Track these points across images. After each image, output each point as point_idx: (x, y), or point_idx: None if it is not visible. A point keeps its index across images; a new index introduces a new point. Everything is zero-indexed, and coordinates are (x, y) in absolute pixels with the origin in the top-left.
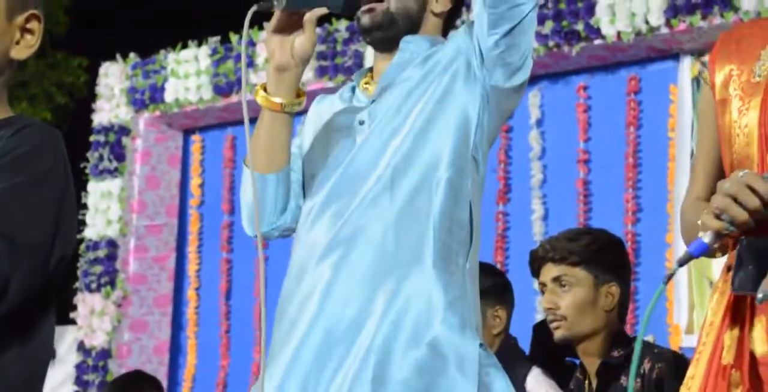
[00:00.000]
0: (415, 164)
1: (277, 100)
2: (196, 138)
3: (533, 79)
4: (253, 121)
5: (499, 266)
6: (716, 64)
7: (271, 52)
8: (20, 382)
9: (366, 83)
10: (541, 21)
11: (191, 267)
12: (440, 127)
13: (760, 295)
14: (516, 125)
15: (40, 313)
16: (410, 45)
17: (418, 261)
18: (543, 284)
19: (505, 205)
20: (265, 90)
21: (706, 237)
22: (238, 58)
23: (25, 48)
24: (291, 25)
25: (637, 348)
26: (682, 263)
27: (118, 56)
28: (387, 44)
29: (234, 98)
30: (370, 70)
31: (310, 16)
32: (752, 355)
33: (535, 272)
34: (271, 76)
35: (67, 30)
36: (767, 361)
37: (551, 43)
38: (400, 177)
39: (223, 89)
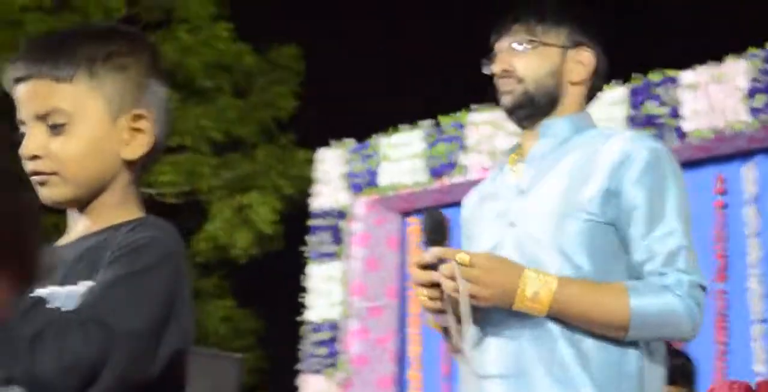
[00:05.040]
0: None
1: None
2: (412, 220)
3: (747, 153)
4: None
5: (719, 345)
6: None
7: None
8: None
9: (515, 159)
10: (754, 94)
11: (413, 349)
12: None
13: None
14: (731, 201)
15: None
16: (549, 130)
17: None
18: None
19: (724, 283)
20: None
21: None
22: (448, 140)
23: (137, 147)
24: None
25: None
26: None
27: (334, 142)
28: (530, 120)
29: (447, 181)
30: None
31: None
32: None
33: None
34: None
35: (293, 115)
36: None
37: (764, 117)
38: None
39: (438, 172)
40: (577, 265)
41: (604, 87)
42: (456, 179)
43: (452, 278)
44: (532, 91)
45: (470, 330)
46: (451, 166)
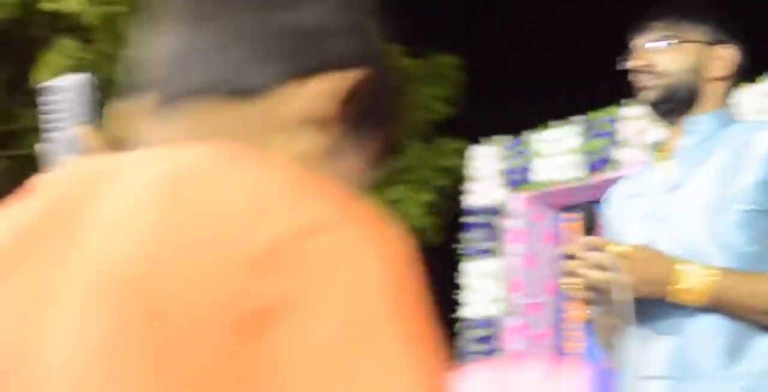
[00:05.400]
0: None
1: None
2: (567, 216)
3: None
4: None
5: None
6: None
7: None
8: None
9: (659, 156)
10: None
11: (571, 345)
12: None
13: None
14: None
15: None
16: (696, 126)
17: None
18: None
19: None
20: None
21: None
22: (601, 135)
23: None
24: None
25: None
26: None
27: (483, 138)
28: (673, 114)
29: (602, 176)
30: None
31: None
32: None
33: None
34: None
35: (446, 117)
36: None
37: None
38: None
39: (594, 167)
40: (737, 255)
41: (759, 79)
42: (610, 174)
43: (600, 267)
44: (672, 86)
45: (631, 323)
46: (605, 161)
